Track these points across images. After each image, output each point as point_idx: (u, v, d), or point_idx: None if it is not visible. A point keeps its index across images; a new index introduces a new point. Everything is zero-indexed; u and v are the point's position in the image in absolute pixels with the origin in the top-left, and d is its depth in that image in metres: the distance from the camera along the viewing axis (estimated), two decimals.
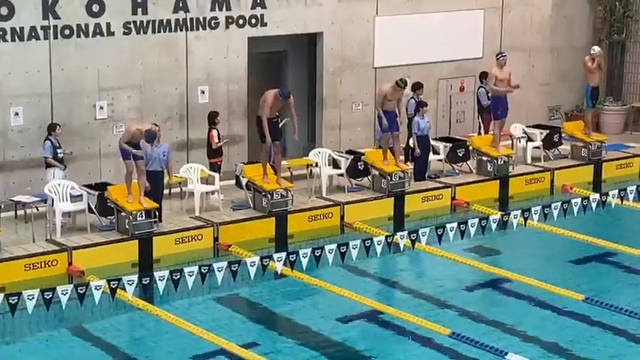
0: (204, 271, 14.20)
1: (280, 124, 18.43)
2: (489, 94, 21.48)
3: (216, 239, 17.48)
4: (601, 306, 14.95)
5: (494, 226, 16.49)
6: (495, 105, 20.99)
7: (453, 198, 20.01)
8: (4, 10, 18.17)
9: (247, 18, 20.73)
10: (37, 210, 17.74)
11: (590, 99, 22.33)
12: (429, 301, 15.54)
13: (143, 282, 14.16)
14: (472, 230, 16.17)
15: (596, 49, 22.19)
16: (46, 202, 17.61)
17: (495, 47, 24.00)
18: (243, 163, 19.28)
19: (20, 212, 17.88)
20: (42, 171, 18.14)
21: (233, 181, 19.41)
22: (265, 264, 14.71)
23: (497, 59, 20.95)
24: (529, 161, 22.17)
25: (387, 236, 15.85)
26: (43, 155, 17.98)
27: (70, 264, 16.18)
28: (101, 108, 19.38)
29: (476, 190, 20.34)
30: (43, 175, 17.95)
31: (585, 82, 22.46)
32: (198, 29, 20.20)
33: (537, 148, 22.50)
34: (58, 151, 18.00)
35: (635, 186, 18.24)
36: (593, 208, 17.44)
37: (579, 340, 14.11)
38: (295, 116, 18.38)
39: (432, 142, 21.27)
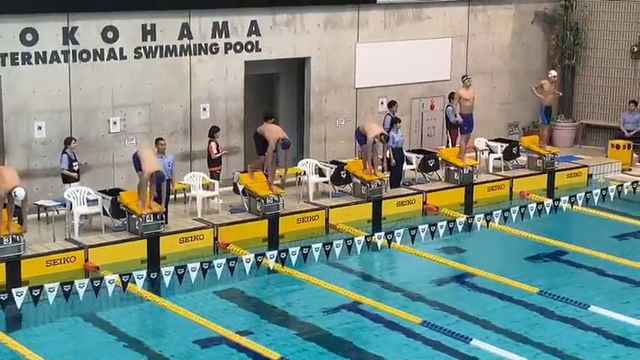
0: (205, 267, 14.24)
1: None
2: (455, 113, 21.59)
3: (215, 239, 17.43)
4: (553, 298, 14.98)
5: (460, 227, 16.56)
6: (464, 122, 21.03)
7: (424, 203, 19.99)
8: (30, 37, 18.12)
9: (244, 44, 20.71)
10: (58, 213, 17.65)
11: (544, 116, 22.44)
12: (403, 294, 15.52)
13: (151, 276, 14.18)
14: (441, 231, 16.24)
15: (553, 73, 22.30)
16: (65, 206, 17.56)
17: (462, 71, 24.02)
18: (240, 171, 19.21)
19: (42, 215, 17.81)
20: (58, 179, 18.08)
21: (231, 188, 19.35)
22: (259, 261, 14.73)
23: (463, 81, 21.06)
24: (491, 171, 22.19)
25: (366, 236, 15.90)
26: (60, 167, 17.88)
27: (86, 260, 16.12)
28: (114, 123, 19.33)
29: (444, 196, 20.33)
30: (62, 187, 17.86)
31: (540, 101, 22.57)
32: (200, 54, 20.17)
33: (498, 159, 22.52)
34: (74, 163, 17.88)
35: (584, 193, 18.32)
36: (547, 212, 17.54)
37: (534, 327, 14.10)
38: (287, 164, 18.67)
39: (406, 154, 21.28)
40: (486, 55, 24.62)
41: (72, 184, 17.77)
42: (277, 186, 18.35)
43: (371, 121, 19.98)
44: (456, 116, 21.31)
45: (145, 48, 19.45)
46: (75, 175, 17.90)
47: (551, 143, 23.59)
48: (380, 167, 19.71)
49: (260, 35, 20.86)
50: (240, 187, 18.70)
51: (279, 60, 21.55)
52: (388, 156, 20.14)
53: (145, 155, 17.09)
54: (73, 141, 18.00)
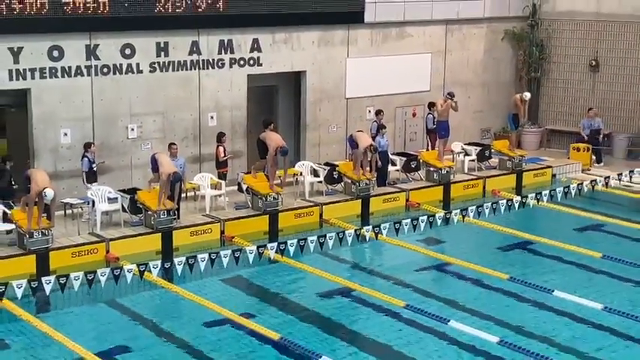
0: (213, 257, 14.24)
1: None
2: (435, 120, 21.60)
3: (222, 232, 17.39)
4: (522, 283, 14.98)
5: (439, 221, 16.56)
6: (440, 128, 21.10)
7: (407, 200, 19.97)
8: (56, 53, 18.08)
9: (247, 59, 20.68)
10: (82, 210, 17.63)
11: (512, 123, 22.47)
12: (388, 280, 15.53)
13: (165, 266, 14.18)
14: (422, 225, 16.25)
15: (528, 95, 22.23)
16: (89, 204, 17.53)
17: (440, 82, 24.07)
18: (244, 172, 19.21)
19: (68, 211, 17.75)
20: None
21: (236, 187, 19.34)
22: (261, 252, 14.73)
23: (447, 95, 20.99)
24: (466, 171, 22.17)
25: (356, 230, 15.91)
26: (83, 170, 17.80)
27: (107, 252, 16.07)
28: (132, 129, 19.28)
29: (425, 193, 20.31)
30: (86, 190, 17.74)
31: (510, 110, 22.61)
32: (208, 68, 20.13)
33: (472, 161, 22.50)
34: (93, 165, 17.81)
35: (548, 190, 18.34)
36: (516, 208, 17.55)
37: (505, 310, 14.14)
38: (285, 167, 18.60)
39: (391, 156, 21.28)
40: (462, 69, 24.62)
41: (92, 183, 17.72)
42: (277, 185, 18.35)
43: (362, 132, 20.03)
44: (434, 124, 21.41)
45: (159, 63, 19.42)
46: (93, 181, 17.79)
47: (519, 147, 23.60)
48: (368, 169, 19.71)
49: (261, 52, 20.84)
50: (244, 187, 18.68)
51: (278, 73, 21.51)
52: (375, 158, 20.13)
53: (162, 159, 17.10)
54: (92, 145, 17.96)
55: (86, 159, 17.78)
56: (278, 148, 18.05)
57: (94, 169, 17.85)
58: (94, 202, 17.35)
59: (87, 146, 17.90)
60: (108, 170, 18.94)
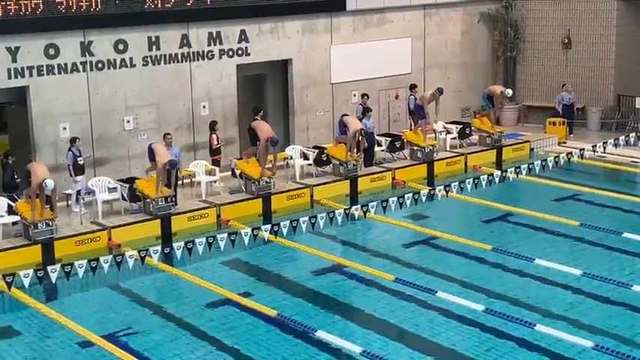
0: (211, 241, 14.19)
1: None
2: (416, 102, 21.54)
3: (218, 216, 17.38)
4: (504, 253, 15.03)
5: (424, 198, 16.54)
6: (418, 110, 21.08)
7: (393, 178, 19.97)
8: (52, 51, 17.95)
9: (235, 50, 20.57)
10: (84, 200, 17.56)
11: (487, 102, 22.40)
12: (378, 256, 15.53)
13: (165, 251, 14.13)
14: (408, 202, 16.22)
15: (510, 92, 22.05)
16: (90, 194, 17.46)
17: (420, 65, 24.00)
18: (237, 158, 19.16)
19: (70, 202, 17.69)
20: (86, 171, 17.93)
21: (229, 173, 19.29)
22: (256, 234, 14.71)
23: (436, 90, 20.92)
24: (448, 149, 22.17)
25: (345, 209, 15.89)
26: (67, 163, 17.51)
27: (109, 239, 16.06)
28: (128, 121, 19.18)
29: (410, 171, 20.30)
30: (73, 182, 17.50)
31: (485, 91, 22.54)
32: (198, 60, 20.02)
33: (454, 138, 22.51)
34: (78, 159, 17.49)
35: (527, 164, 18.35)
36: (497, 182, 17.52)
37: (489, 279, 14.17)
38: (276, 159, 18.43)
39: (376, 137, 21.26)
40: (440, 51, 24.56)
41: (78, 176, 17.50)
42: (268, 169, 18.30)
43: (351, 117, 19.97)
44: (415, 100, 21.46)
45: (151, 57, 19.29)
46: (75, 175, 17.45)
47: (498, 123, 23.55)
48: (355, 150, 19.66)
49: (249, 42, 20.72)
50: (238, 172, 18.65)
51: (266, 62, 21.41)
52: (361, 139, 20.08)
53: (158, 149, 17.04)
54: (78, 140, 17.64)
55: (71, 153, 17.47)
56: (269, 139, 17.98)
57: (80, 162, 17.58)
58: (78, 192, 17.17)
59: (72, 141, 17.60)
60: (106, 161, 18.86)
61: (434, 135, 22.39)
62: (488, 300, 13.19)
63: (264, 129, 18.20)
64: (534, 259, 14.59)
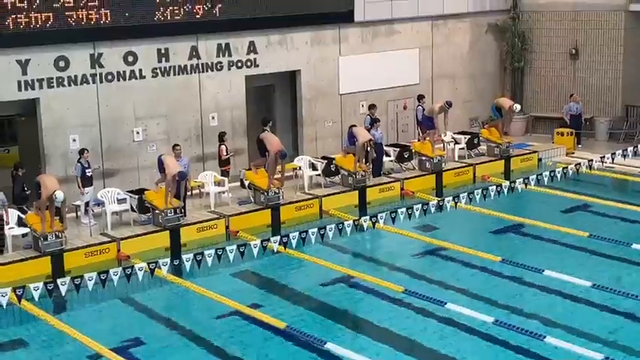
0: (220, 252, 14.13)
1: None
2: (424, 113, 21.48)
3: (227, 227, 17.32)
4: (513, 264, 14.93)
5: (432, 209, 16.46)
6: (426, 121, 21.05)
7: (401, 189, 19.90)
8: (62, 63, 17.97)
9: (244, 61, 20.58)
10: (93, 211, 17.54)
11: (495, 112, 22.28)
12: (387, 267, 15.50)
13: (174, 262, 14.07)
14: (417, 213, 16.13)
15: (518, 107, 21.92)
16: (99, 205, 17.44)
17: (428, 76, 23.97)
18: (245, 169, 19.13)
19: (79, 213, 17.68)
20: (95, 182, 17.94)
21: (238, 183, 19.27)
22: (265, 245, 14.64)
23: (444, 103, 20.79)
24: (457, 159, 22.11)
25: (354, 220, 15.82)
26: (75, 175, 17.46)
27: (118, 251, 16.01)
28: (137, 132, 19.19)
29: (418, 182, 20.23)
30: (81, 194, 17.48)
31: (494, 103, 22.45)
32: (208, 71, 20.02)
33: (462, 149, 22.45)
34: (87, 170, 17.45)
35: (535, 174, 18.26)
36: (505, 193, 17.45)
37: (498, 290, 14.10)
38: (284, 170, 18.38)
39: (385, 148, 21.21)
40: (448, 62, 24.52)
41: (86, 187, 17.47)
42: (276, 180, 18.25)
43: (360, 127, 19.92)
44: (424, 111, 21.40)
45: (160, 68, 19.31)
46: (82, 188, 17.38)
47: (506, 133, 23.48)
48: (364, 160, 19.61)
49: (257, 53, 20.72)
50: (246, 183, 18.61)
51: (275, 73, 21.40)
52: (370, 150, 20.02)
53: (168, 160, 17.04)
54: (86, 151, 17.62)
55: (79, 164, 17.45)
56: (278, 152, 17.95)
57: (88, 174, 17.59)
58: (87, 204, 17.18)
59: (81, 152, 17.59)
60: (116, 172, 18.85)
61: (442, 145, 22.33)
62: (498, 311, 13.10)
63: (273, 142, 18.17)
64: (543, 270, 14.48)
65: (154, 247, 16.22)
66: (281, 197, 18.17)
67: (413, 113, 23.20)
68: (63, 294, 13.05)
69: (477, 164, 21.44)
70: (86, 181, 17.46)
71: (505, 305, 13.41)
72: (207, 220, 17.23)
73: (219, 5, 19.64)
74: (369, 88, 22.65)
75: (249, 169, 18.88)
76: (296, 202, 18.45)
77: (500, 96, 24.54)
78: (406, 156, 21.23)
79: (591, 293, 13.67)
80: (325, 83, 22.04)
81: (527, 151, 22.73)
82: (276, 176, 18.29)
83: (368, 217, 15.77)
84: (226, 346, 12.34)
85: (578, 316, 13.01)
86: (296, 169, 20.15)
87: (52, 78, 17.86)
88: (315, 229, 14.93)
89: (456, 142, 22.53)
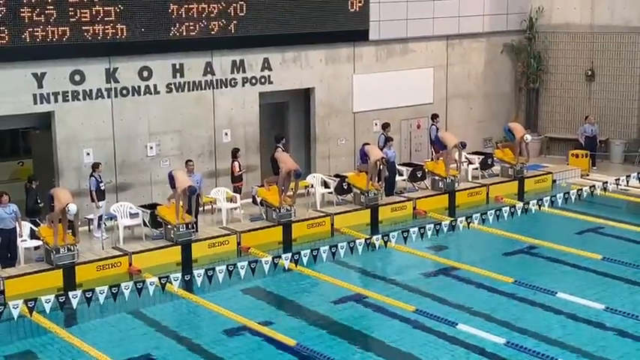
0: (231, 269, 14.19)
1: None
2: (437, 134, 21.57)
3: (239, 243, 17.41)
4: (525, 286, 14.94)
5: (445, 228, 16.48)
6: (439, 141, 21.23)
7: (414, 208, 19.94)
8: (78, 77, 18.19)
9: (258, 78, 20.75)
10: (105, 225, 17.68)
11: (508, 133, 22.31)
12: (398, 286, 15.49)
13: (185, 277, 14.15)
14: (429, 232, 16.16)
15: (529, 138, 21.94)
16: (111, 219, 17.57)
17: (442, 95, 24.07)
18: (258, 186, 19.23)
19: (92, 227, 17.80)
20: (108, 196, 18.09)
21: (250, 200, 19.37)
22: (276, 262, 14.70)
23: (460, 142, 20.87)
24: (470, 179, 22.16)
25: (366, 239, 15.85)
26: (90, 189, 17.62)
27: (130, 265, 16.13)
28: (151, 147, 19.35)
29: (431, 202, 20.27)
30: (95, 207, 17.69)
31: (507, 125, 22.48)
32: (222, 87, 20.20)
33: (476, 169, 22.49)
34: (101, 184, 17.68)
35: (549, 196, 18.26)
36: (518, 214, 17.44)
37: (510, 312, 14.08)
38: (297, 188, 18.44)
39: (398, 167, 21.29)
40: (463, 81, 24.61)
41: (100, 201, 17.65)
42: (288, 197, 18.33)
43: (373, 146, 20.03)
44: (437, 130, 21.52)
45: (175, 84, 19.50)
46: (97, 202, 17.58)
47: (520, 154, 23.50)
48: (377, 179, 19.69)
49: (272, 70, 20.89)
50: (259, 199, 18.71)
51: (288, 90, 21.56)
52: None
53: (178, 175, 17.17)
54: (100, 165, 17.80)
55: (93, 179, 17.62)
56: (292, 172, 18.05)
57: (102, 188, 17.77)
58: (100, 217, 17.27)
59: (95, 167, 17.77)
60: (129, 187, 19.01)
61: (456, 165, 22.38)
62: (510, 333, 13.10)
63: (287, 161, 18.26)
64: (556, 293, 14.50)
65: (166, 262, 16.33)
66: (293, 214, 18.25)
67: (426, 132, 23.29)
68: (74, 307, 13.15)
69: (490, 185, 21.47)
70: (100, 195, 17.61)
71: (517, 327, 13.39)
72: (218, 236, 17.33)
73: (235, 22, 19.84)
74: (382, 107, 22.76)
75: (262, 186, 18.99)
76: (308, 219, 18.53)
77: (515, 117, 24.63)
78: (419, 175, 21.29)
79: (604, 316, 13.65)
80: (339, 101, 22.18)
81: (542, 173, 22.74)
82: (287, 193, 18.39)
83: (380, 236, 15.80)
84: None
85: (590, 339, 12.98)
86: (308, 186, 20.24)
87: (68, 92, 18.08)
88: (327, 247, 14.99)
89: (470, 163, 22.57)
